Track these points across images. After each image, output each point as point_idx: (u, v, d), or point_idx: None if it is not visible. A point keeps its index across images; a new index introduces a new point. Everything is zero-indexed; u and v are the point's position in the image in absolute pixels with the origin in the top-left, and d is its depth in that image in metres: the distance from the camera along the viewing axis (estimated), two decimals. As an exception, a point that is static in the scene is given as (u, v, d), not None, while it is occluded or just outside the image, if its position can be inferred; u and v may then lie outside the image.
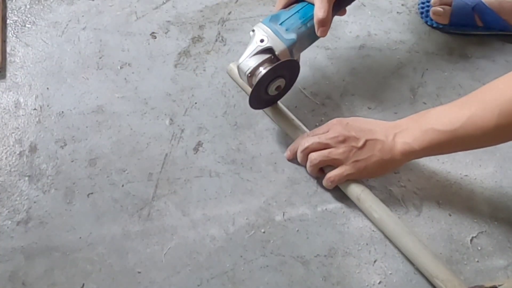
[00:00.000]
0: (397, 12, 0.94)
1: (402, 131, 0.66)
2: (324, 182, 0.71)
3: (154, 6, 0.93)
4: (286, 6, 0.72)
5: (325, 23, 0.69)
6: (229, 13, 0.93)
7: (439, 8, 0.90)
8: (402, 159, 0.66)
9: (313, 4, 0.70)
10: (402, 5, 0.96)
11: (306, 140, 0.70)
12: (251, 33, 0.71)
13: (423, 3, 0.94)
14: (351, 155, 0.67)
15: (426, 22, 0.93)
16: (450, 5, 0.90)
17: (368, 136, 0.67)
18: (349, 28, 0.91)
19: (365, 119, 0.71)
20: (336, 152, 0.68)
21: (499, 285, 0.62)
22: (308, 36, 0.71)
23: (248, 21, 0.92)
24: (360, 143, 0.67)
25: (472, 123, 0.60)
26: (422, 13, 0.93)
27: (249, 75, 0.69)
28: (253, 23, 0.91)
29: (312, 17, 0.70)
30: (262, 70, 0.68)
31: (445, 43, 0.90)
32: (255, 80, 0.69)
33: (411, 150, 0.65)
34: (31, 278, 0.64)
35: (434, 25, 0.92)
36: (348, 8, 0.76)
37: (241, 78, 0.72)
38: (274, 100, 0.77)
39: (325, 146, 0.69)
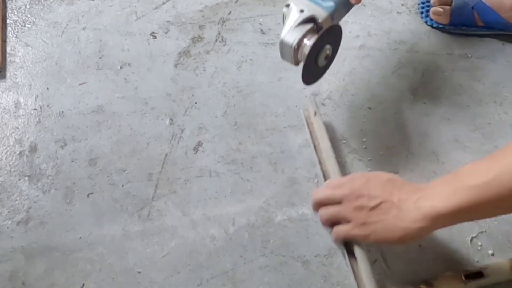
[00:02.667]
0: (397, 12, 0.94)
1: (428, 193, 0.58)
2: (331, 235, 0.65)
3: (154, 6, 0.93)
4: None
5: None
6: (229, 13, 0.93)
7: (439, 8, 0.90)
8: (426, 226, 0.57)
9: None
10: (402, 5, 0.95)
11: (319, 192, 0.65)
12: (285, 9, 0.68)
13: (423, 3, 0.94)
14: (360, 215, 0.60)
15: (426, 22, 0.93)
16: (450, 5, 0.90)
17: (384, 197, 0.59)
18: (349, 28, 0.91)
19: (391, 176, 0.63)
20: (345, 210, 0.61)
21: (485, 269, 0.62)
22: (344, 5, 0.70)
23: (248, 21, 0.92)
24: (372, 203, 0.60)
25: (508, 173, 0.51)
26: (422, 13, 0.93)
27: (295, 47, 0.66)
28: (253, 23, 0.91)
29: None
30: (309, 41, 0.66)
31: (445, 43, 0.90)
32: (304, 52, 0.66)
33: (437, 215, 0.56)
34: (31, 278, 0.64)
35: (434, 25, 0.92)
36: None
37: (283, 54, 0.68)
38: (322, 72, 0.74)
39: (336, 202, 0.63)
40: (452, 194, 0.55)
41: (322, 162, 0.71)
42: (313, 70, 0.71)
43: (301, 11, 0.66)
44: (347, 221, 0.62)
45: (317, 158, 0.72)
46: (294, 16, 0.66)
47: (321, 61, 0.69)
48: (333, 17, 0.68)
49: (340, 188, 0.63)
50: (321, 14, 0.67)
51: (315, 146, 0.74)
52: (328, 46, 0.69)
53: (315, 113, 0.73)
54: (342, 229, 0.62)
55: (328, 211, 0.63)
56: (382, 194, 0.60)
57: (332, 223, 0.63)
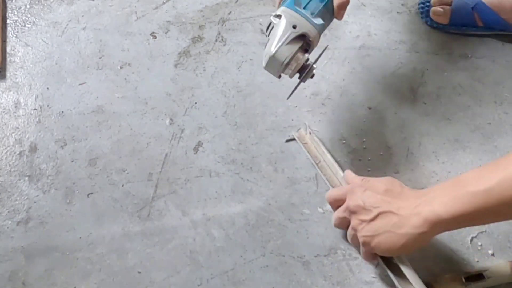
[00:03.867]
0: (397, 12, 0.94)
1: (428, 199, 0.57)
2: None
3: (154, 6, 0.93)
4: None
5: (345, 6, 0.68)
6: (229, 13, 0.93)
7: (439, 8, 0.90)
8: (427, 232, 0.56)
9: None
10: (402, 5, 0.95)
11: (333, 218, 0.67)
12: (274, 19, 0.66)
13: (423, 3, 0.94)
14: (359, 229, 0.61)
15: (426, 22, 0.93)
16: (450, 5, 0.90)
17: (382, 208, 0.59)
18: (349, 28, 0.91)
19: (389, 185, 0.62)
20: (352, 222, 0.62)
21: (485, 271, 0.62)
22: (328, 19, 0.70)
23: (248, 21, 0.92)
24: (369, 216, 0.59)
25: (511, 180, 0.51)
26: (422, 13, 0.93)
27: (286, 64, 0.65)
28: (253, 23, 0.91)
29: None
30: (306, 61, 0.66)
31: (445, 43, 0.90)
32: (291, 71, 0.66)
33: (438, 220, 0.55)
34: (31, 278, 0.64)
35: (434, 25, 0.92)
36: (348, 8, 0.76)
37: (269, 67, 0.67)
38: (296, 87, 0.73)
39: (346, 219, 0.64)
40: (453, 199, 0.54)
41: (330, 179, 0.72)
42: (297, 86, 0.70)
43: (294, 26, 0.65)
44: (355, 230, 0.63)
45: (323, 175, 0.73)
46: (285, 31, 0.65)
47: (306, 79, 0.68)
48: (321, 34, 0.68)
49: (344, 204, 0.64)
50: (312, 32, 0.66)
51: (317, 164, 0.74)
52: (315, 66, 0.68)
53: (306, 135, 0.73)
54: (353, 240, 0.64)
55: (348, 233, 0.65)
56: (380, 204, 0.60)
57: (342, 226, 0.66)
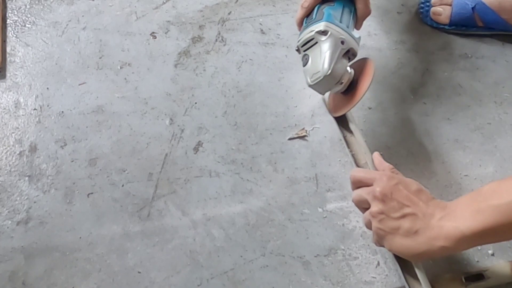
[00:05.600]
0: (397, 12, 0.94)
1: (450, 212, 0.56)
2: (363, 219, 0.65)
3: (154, 6, 0.93)
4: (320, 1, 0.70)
5: (367, 17, 0.71)
6: (229, 13, 0.93)
7: (439, 8, 0.91)
8: (448, 246, 0.55)
9: None
10: (402, 5, 0.96)
11: (354, 193, 0.64)
12: (319, 35, 0.66)
13: (423, 3, 0.94)
14: (378, 219, 0.58)
15: (426, 22, 0.93)
16: (450, 5, 0.90)
17: (409, 209, 0.57)
18: (349, 28, 0.91)
19: (420, 187, 0.61)
20: (370, 209, 0.60)
21: (484, 271, 0.62)
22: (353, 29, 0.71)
23: (248, 21, 0.92)
24: (393, 211, 0.58)
25: None
26: (422, 13, 0.93)
27: (340, 81, 0.68)
28: (253, 23, 0.91)
29: (354, 11, 0.70)
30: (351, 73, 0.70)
31: (445, 43, 0.90)
32: (342, 85, 0.69)
33: (460, 236, 0.54)
34: (31, 278, 0.64)
35: (434, 25, 0.92)
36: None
37: (319, 84, 0.68)
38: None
39: (367, 201, 0.61)
40: (475, 214, 0.54)
41: (356, 156, 0.73)
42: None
43: (342, 42, 0.67)
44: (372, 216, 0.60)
45: (349, 151, 0.74)
46: (335, 48, 0.66)
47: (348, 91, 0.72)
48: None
49: (370, 187, 0.61)
50: (356, 47, 0.69)
51: (344, 138, 0.76)
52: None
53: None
54: (368, 224, 0.62)
55: (360, 194, 0.62)
56: (408, 203, 0.58)
57: (360, 205, 0.63)
